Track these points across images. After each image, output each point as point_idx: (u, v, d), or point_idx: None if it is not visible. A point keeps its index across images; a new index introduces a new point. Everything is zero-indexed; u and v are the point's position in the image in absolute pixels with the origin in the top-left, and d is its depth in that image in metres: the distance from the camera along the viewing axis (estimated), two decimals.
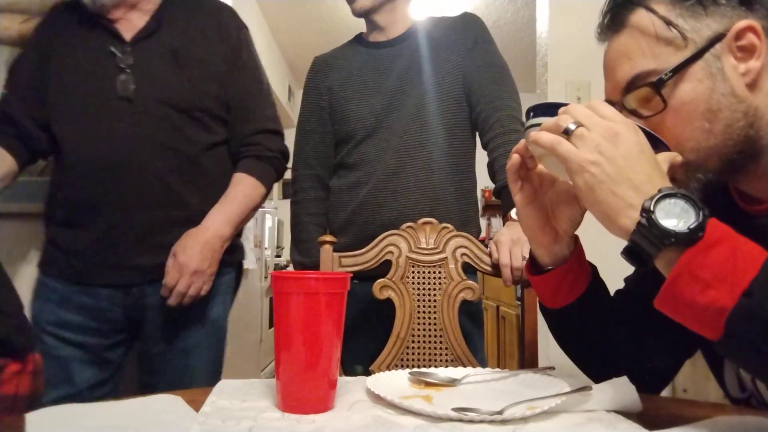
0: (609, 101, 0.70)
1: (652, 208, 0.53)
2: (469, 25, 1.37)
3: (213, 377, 1.27)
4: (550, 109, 0.65)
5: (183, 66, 1.24)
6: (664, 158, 0.63)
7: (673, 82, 0.64)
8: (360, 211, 1.32)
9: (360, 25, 1.46)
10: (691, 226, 0.52)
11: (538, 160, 0.69)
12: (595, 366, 0.79)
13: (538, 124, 0.65)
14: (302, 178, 1.45)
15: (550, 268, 0.76)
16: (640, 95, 0.66)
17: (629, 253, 0.56)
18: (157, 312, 1.21)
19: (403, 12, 1.41)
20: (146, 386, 1.24)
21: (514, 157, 0.72)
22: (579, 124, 0.59)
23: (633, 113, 0.67)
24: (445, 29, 1.38)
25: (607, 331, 0.78)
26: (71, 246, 1.19)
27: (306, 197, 1.43)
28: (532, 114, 0.68)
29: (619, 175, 0.56)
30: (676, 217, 0.53)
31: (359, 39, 1.47)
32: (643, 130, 0.61)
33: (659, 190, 0.54)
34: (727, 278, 0.50)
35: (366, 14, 1.37)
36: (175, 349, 1.23)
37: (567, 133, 0.59)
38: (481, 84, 1.31)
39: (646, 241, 0.54)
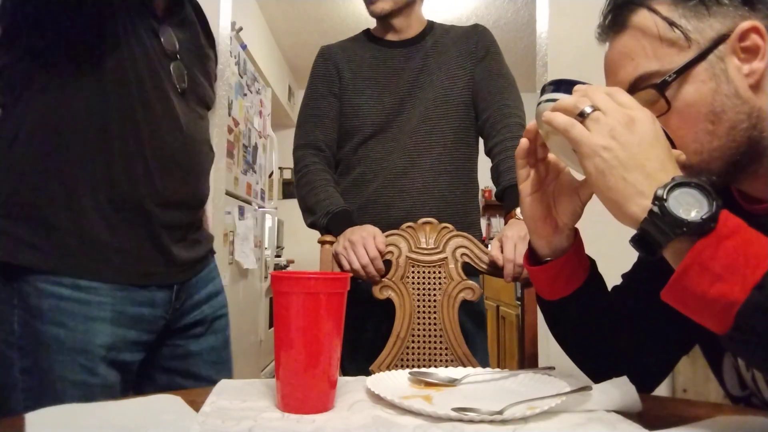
0: None
1: (665, 196, 0.52)
2: (481, 36, 1.40)
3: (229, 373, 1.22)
4: (566, 86, 0.64)
5: (204, 63, 1.17)
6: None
7: (677, 83, 0.64)
8: (367, 210, 1.32)
9: (360, 25, 1.46)
10: (704, 216, 0.51)
11: (545, 137, 0.68)
12: (590, 361, 0.79)
13: (552, 100, 0.63)
14: (311, 157, 1.39)
15: (548, 259, 0.76)
16: (644, 97, 0.65)
17: (638, 242, 0.55)
18: (195, 310, 1.12)
19: (417, 14, 1.43)
20: (178, 388, 1.10)
21: (523, 141, 0.72)
22: (596, 108, 0.58)
23: None
24: (457, 37, 1.41)
25: (603, 325, 0.78)
26: (132, 244, 0.98)
27: (318, 169, 1.38)
28: (551, 88, 0.66)
29: (631, 162, 0.56)
30: (689, 206, 0.52)
31: (368, 35, 1.46)
32: None
33: (673, 179, 0.53)
34: (739, 271, 0.49)
35: (384, 17, 1.38)
36: (217, 344, 1.17)
37: (582, 116, 0.58)
38: (490, 92, 1.34)
39: (656, 230, 0.53)
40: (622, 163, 0.56)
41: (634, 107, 0.58)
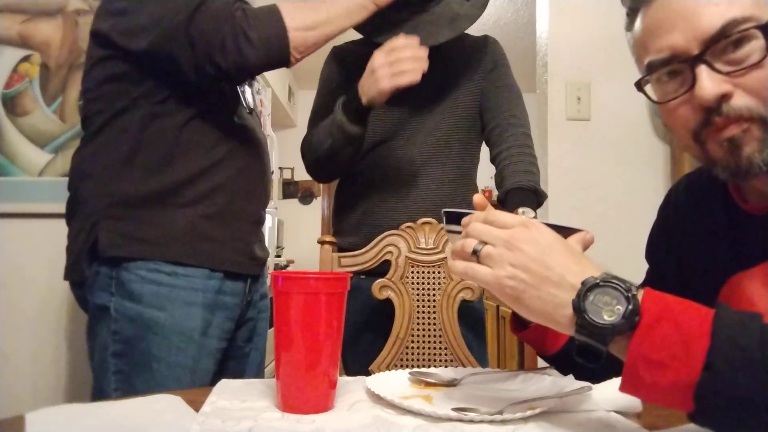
0: (676, 56, 0.63)
1: (582, 307, 0.52)
2: (490, 47, 1.41)
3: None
4: (456, 218, 0.66)
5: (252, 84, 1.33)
6: (576, 241, 0.63)
7: None
8: (371, 214, 1.33)
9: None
10: (626, 314, 0.50)
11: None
12: (600, 378, 0.79)
13: (456, 231, 0.65)
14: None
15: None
16: (727, 46, 0.60)
17: (582, 354, 0.54)
18: (255, 307, 1.19)
19: None
20: None
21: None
22: (483, 243, 0.58)
23: (711, 67, 0.61)
24: (467, 48, 1.41)
25: (610, 356, 0.77)
26: (225, 235, 1.08)
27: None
28: (444, 220, 0.69)
29: (536, 279, 0.55)
30: (609, 305, 0.51)
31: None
32: (545, 223, 0.60)
33: (582, 283, 0.53)
34: (681, 354, 0.48)
35: None
36: (260, 346, 1.22)
37: (476, 254, 0.59)
38: (498, 102, 1.36)
39: (591, 339, 0.52)
40: (529, 284, 0.55)
41: (514, 224, 0.58)
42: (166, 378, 0.97)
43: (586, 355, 0.53)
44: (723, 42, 0.60)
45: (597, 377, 0.80)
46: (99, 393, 0.99)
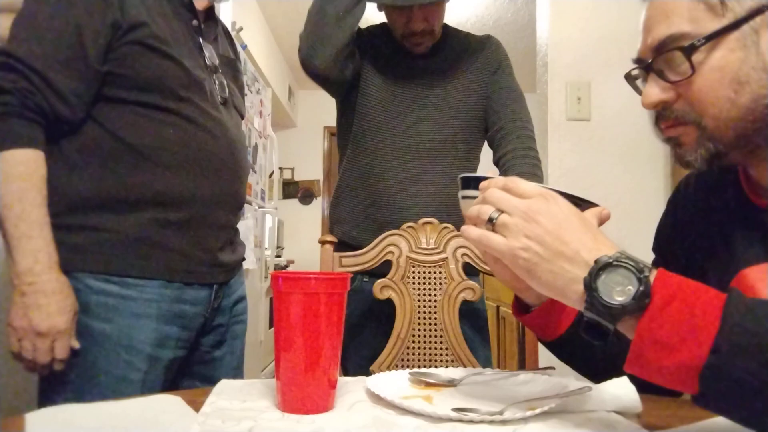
0: (640, 59, 0.69)
1: (593, 285, 0.52)
2: (493, 48, 1.43)
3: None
4: (475, 183, 0.65)
5: (237, 76, 1.23)
6: (591, 215, 0.64)
7: (706, 49, 0.62)
8: (380, 209, 1.33)
9: (360, 26, 1.46)
10: (636, 295, 0.51)
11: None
12: (601, 373, 0.79)
13: (471, 197, 0.65)
14: None
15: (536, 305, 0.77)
16: (670, 58, 0.64)
17: (590, 331, 0.54)
18: (225, 313, 1.15)
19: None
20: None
21: (464, 227, 0.71)
22: (500, 211, 0.58)
23: (660, 75, 0.65)
24: (471, 49, 1.42)
25: (611, 344, 0.78)
26: (180, 243, 1.02)
27: None
28: (461, 185, 0.68)
29: (550, 253, 0.55)
30: (621, 285, 0.52)
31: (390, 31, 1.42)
32: (563, 193, 0.60)
33: (596, 262, 0.53)
34: (689, 337, 0.48)
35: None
36: (236, 349, 1.18)
37: (491, 222, 0.59)
38: (503, 104, 1.37)
39: (601, 317, 0.53)
40: (543, 257, 0.56)
41: (533, 194, 0.58)
42: (114, 392, 0.92)
43: (593, 332, 0.54)
44: (665, 54, 0.64)
45: (597, 377, 0.80)
46: (48, 400, 0.94)
